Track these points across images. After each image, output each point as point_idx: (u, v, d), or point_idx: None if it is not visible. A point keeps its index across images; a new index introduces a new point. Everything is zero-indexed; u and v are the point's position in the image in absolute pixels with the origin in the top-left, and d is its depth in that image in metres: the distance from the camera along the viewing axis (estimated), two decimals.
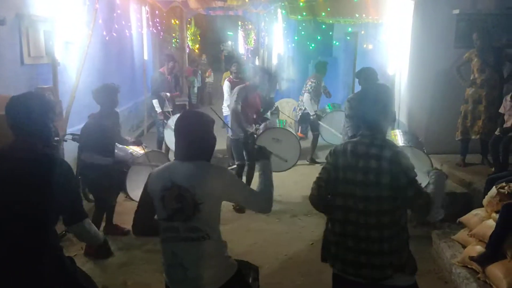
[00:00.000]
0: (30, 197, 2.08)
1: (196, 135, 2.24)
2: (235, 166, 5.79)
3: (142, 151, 5.10)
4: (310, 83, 7.47)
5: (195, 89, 13.99)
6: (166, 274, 2.31)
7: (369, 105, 2.37)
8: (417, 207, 2.25)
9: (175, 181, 2.17)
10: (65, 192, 2.19)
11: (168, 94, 7.25)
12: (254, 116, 5.86)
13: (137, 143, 5.07)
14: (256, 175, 6.24)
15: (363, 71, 4.99)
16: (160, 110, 7.15)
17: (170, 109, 7.28)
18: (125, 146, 5.12)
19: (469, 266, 3.78)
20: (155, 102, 7.18)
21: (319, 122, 7.51)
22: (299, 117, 7.89)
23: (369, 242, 2.28)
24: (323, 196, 2.41)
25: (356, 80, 5.58)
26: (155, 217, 2.27)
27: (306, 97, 7.39)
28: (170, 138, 7.21)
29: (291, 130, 6.63)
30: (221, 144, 5.92)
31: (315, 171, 7.20)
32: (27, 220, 2.10)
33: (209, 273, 2.20)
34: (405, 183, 2.20)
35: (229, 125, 5.61)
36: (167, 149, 7.26)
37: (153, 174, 2.30)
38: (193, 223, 2.16)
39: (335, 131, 7.38)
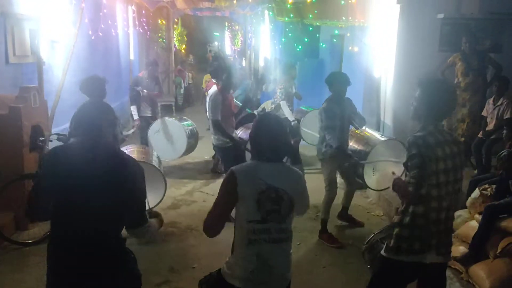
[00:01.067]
0: (106, 192, 2.15)
1: (283, 138, 2.34)
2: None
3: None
4: (279, 90, 7.10)
5: (181, 90, 13.91)
6: (245, 279, 2.21)
7: (445, 98, 2.53)
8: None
9: (270, 183, 2.20)
10: (134, 193, 2.25)
11: (144, 90, 6.84)
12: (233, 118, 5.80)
13: None
14: None
15: (333, 76, 4.71)
16: (137, 117, 6.85)
17: (149, 114, 7.01)
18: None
19: (452, 266, 3.84)
20: (133, 108, 6.88)
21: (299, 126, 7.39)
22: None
23: (448, 221, 2.59)
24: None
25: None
26: (247, 219, 2.22)
27: (283, 104, 6.98)
28: (155, 143, 6.98)
29: None
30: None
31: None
32: (102, 213, 2.15)
33: (286, 271, 2.31)
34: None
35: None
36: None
37: (241, 175, 2.23)
38: (285, 224, 2.25)
39: (313, 133, 7.38)
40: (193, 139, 7.28)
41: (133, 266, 2.38)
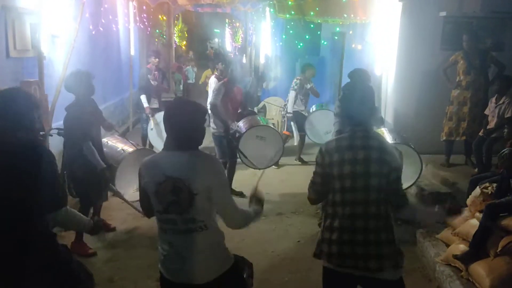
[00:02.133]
0: (13, 184, 2.11)
1: (189, 124, 2.18)
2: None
3: (131, 149, 5.02)
4: (295, 80, 7.60)
5: (181, 86, 13.87)
6: (162, 264, 2.29)
7: (357, 103, 2.46)
8: (395, 195, 2.38)
9: (168, 174, 2.13)
10: (44, 177, 2.19)
11: (154, 82, 7.19)
12: (237, 111, 5.98)
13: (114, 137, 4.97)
14: (239, 173, 6.25)
15: (356, 73, 5.04)
16: (147, 105, 7.12)
17: (156, 106, 7.21)
18: (113, 144, 5.06)
19: (452, 264, 3.85)
20: (143, 97, 7.15)
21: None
22: (285, 116, 7.98)
23: (367, 233, 2.33)
24: (322, 198, 2.48)
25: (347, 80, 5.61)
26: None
27: (291, 94, 7.55)
28: (154, 136, 7.17)
29: (273, 127, 6.71)
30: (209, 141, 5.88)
31: (302, 170, 7.29)
32: (13, 208, 2.12)
33: (206, 263, 2.21)
34: (393, 168, 2.34)
35: (243, 160, 5.75)
36: (151, 146, 7.20)
37: (143, 168, 2.26)
38: (190, 214, 2.15)
39: (311, 133, 7.54)
40: None
41: (68, 258, 2.38)
